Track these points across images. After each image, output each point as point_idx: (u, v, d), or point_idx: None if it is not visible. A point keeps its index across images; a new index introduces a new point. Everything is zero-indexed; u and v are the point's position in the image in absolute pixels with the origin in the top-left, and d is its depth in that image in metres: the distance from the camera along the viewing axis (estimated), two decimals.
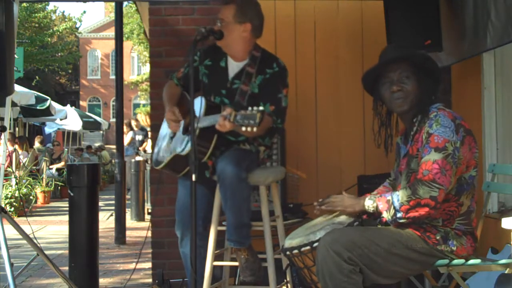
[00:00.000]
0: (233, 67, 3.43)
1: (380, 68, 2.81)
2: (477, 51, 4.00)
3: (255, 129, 2.90)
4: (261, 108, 2.90)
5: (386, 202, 2.66)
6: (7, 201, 9.63)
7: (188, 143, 3.21)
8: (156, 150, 3.62)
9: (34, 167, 12.28)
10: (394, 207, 2.62)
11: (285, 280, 3.44)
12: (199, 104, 3.25)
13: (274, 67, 3.40)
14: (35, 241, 3.93)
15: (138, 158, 11.13)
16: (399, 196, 2.62)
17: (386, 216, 2.66)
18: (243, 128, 2.92)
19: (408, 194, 2.59)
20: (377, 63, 2.83)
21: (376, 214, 2.72)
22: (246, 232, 3.30)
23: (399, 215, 2.61)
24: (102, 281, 5.02)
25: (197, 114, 3.13)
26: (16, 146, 12.47)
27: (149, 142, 11.73)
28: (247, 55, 3.42)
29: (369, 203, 2.72)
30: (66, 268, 4.62)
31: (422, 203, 2.57)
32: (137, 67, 41.18)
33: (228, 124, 3.00)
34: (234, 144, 3.38)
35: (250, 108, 2.92)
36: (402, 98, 2.77)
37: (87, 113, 26.80)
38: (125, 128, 15.55)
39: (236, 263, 3.45)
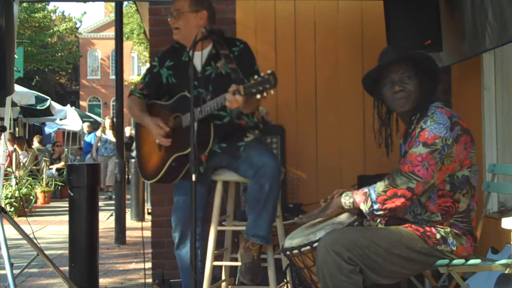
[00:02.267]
0: (198, 56, 3.33)
1: (382, 69, 2.82)
2: (477, 51, 4.00)
3: (272, 91, 2.88)
4: (269, 71, 2.89)
5: (363, 195, 2.66)
6: (7, 201, 9.63)
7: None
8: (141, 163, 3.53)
9: (34, 167, 12.28)
10: (371, 199, 2.62)
11: (285, 280, 3.44)
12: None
13: (238, 44, 3.40)
14: (35, 241, 3.93)
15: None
16: (375, 188, 2.63)
17: (363, 208, 2.64)
18: (258, 96, 2.90)
19: (385, 184, 2.60)
20: (378, 64, 2.83)
21: (353, 210, 2.70)
22: (272, 229, 3.27)
23: (376, 206, 2.61)
24: (102, 281, 5.02)
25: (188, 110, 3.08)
26: (16, 146, 12.46)
27: None
28: (208, 42, 3.38)
29: (345, 199, 2.71)
30: (66, 268, 4.63)
31: (399, 194, 2.58)
32: (137, 67, 41.17)
33: (240, 98, 2.97)
34: (236, 137, 3.33)
35: (256, 77, 2.91)
36: (404, 98, 2.77)
37: (87, 113, 26.82)
38: (87, 128, 15.62)
39: (236, 263, 3.44)
